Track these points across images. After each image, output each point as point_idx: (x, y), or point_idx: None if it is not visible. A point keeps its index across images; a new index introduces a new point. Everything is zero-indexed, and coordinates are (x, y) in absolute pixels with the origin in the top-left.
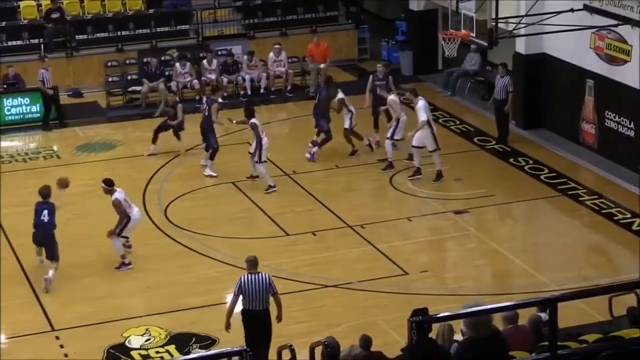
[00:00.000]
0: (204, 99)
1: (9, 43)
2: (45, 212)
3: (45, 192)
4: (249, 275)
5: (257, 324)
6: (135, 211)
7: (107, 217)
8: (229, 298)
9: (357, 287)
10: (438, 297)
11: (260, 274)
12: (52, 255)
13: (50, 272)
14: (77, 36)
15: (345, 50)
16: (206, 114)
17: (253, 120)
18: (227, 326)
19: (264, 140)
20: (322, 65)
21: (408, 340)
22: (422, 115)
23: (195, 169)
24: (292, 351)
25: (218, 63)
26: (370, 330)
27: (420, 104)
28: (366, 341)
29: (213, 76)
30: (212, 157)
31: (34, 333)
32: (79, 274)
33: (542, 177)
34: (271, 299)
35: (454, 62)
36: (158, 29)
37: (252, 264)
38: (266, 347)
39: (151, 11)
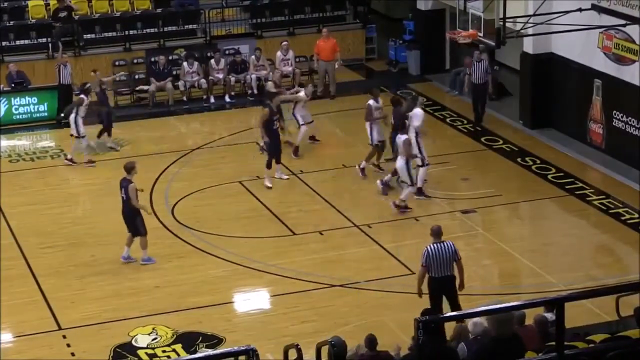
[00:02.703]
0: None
1: (17, 42)
2: (123, 189)
3: (128, 166)
4: (435, 245)
5: (447, 290)
6: None
7: (113, 217)
8: (418, 269)
9: (364, 287)
10: None
11: (445, 243)
12: (132, 231)
13: (125, 250)
14: (85, 35)
15: (352, 50)
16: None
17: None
18: (420, 293)
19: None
20: (336, 65)
21: (415, 339)
22: (416, 122)
23: (201, 169)
24: (299, 350)
25: (226, 62)
26: (377, 330)
27: (417, 111)
28: (371, 341)
29: (221, 75)
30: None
31: (41, 332)
32: (86, 273)
33: (549, 176)
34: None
35: (461, 62)
36: (166, 29)
37: (437, 233)
38: (459, 307)
39: (159, 10)
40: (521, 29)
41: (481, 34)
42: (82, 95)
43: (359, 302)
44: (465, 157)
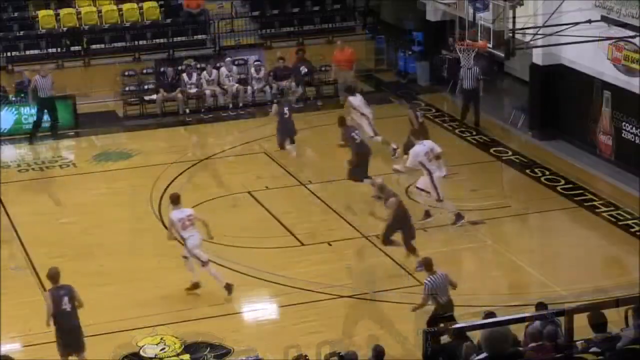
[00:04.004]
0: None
1: (27, 52)
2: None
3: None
4: (431, 277)
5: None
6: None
7: (122, 227)
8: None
9: (373, 298)
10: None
11: (439, 273)
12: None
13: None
14: (94, 46)
15: (361, 61)
16: None
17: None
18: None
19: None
20: (351, 73)
21: (423, 350)
22: (410, 162)
23: (210, 179)
24: None
25: (238, 71)
26: (385, 341)
27: (415, 148)
28: (378, 352)
29: (235, 86)
30: None
31: (48, 342)
32: (94, 282)
33: (558, 188)
34: None
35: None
36: (175, 39)
37: (429, 264)
38: None
39: (168, 21)
40: (530, 40)
41: (490, 45)
42: None
43: (367, 313)
44: (474, 168)
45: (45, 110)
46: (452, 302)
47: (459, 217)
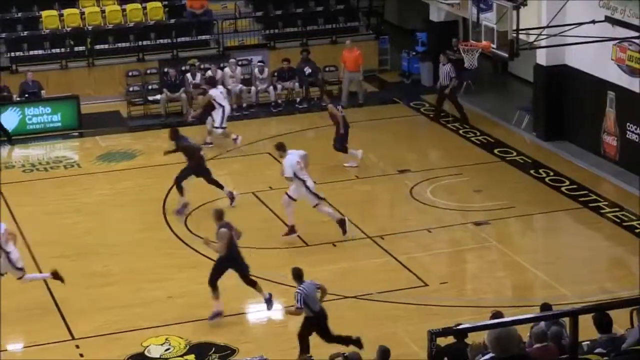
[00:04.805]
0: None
1: (31, 52)
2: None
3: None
4: (303, 286)
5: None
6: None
7: (126, 227)
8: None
9: (377, 299)
10: (457, 308)
11: (307, 281)
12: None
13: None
14: (98, 46)
15: (365, 61)
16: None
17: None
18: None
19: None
20: (357, 75)
21: (428, 350)
22: (288, 172)
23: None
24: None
25: (241, 72)
26: (390, 342)
27: (286, 160)
28: (384, 352)
29: (238, 87)
30: None
31: (53, 342)
32: (99, 283)
33: (563, 189)
34: None
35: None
36: (179, 39)
37: (298, 275)
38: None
39: (172, 21)
40: (534, 41)
41: (494, 46)
42: None
43: (371, 313)
44: (478, 169)
45: None
46: (325, 310)
47: (342, 223)
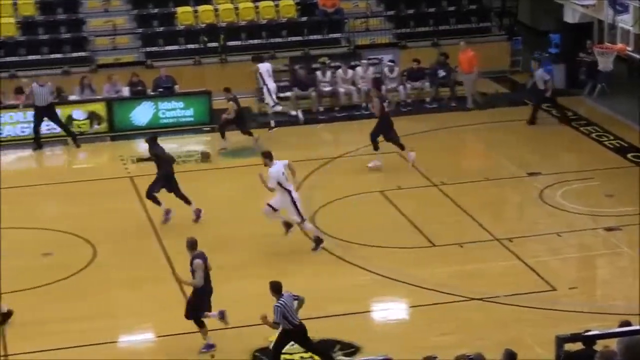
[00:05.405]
0: None
1: (166, 48)
2: None
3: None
4: (282, 300)
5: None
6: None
7: (253, 220)
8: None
9: (503, 302)
10: (586, 314)
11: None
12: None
13: None
14: (230, 42)
15: (496, 62)
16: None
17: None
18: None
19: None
20: (471, 76)
21: (555, 356)
22: (272, 183)
23: (343, 177)
24: None
25: (374, 71)
26: (515, 346)
27: (272, 169)
28: (511, 356)
29: (367, 86)
30: None
31: (180, 333)
32: (228, 276)
33: None
34: None
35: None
36: (310, 37)
37: (276, 289)
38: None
39: (304, 19)
40: None
41: (630, 48)
42: None
43: (497, 316)
44: (610, 173)
45: (45, 119)
46: (303, 324)
47: (318, 241)
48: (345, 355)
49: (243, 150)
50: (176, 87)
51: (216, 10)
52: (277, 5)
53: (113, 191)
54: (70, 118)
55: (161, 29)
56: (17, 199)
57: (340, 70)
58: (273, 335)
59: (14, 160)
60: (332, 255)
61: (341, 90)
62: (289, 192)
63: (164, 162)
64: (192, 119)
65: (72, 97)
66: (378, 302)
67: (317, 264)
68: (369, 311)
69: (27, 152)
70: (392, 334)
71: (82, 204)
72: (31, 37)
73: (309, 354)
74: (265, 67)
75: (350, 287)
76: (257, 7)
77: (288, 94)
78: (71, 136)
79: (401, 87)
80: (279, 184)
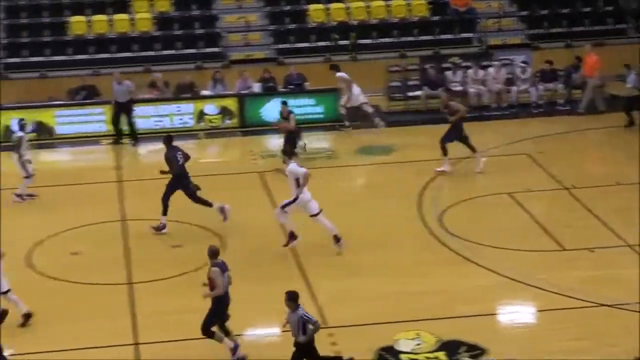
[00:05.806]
0: None
1: (297, 45)
2: None
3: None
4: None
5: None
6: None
7: (378, 219)
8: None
9: (634, 309)
10: None
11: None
12: None
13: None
14: (361, 40)
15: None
16: None
17: None
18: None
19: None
20: (591, 81)
21: None
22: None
23: (469, 178)
24: None
25: (506, 72)
26: None
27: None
28: None
29: (498, 86)
30: None
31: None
32: (350, 273)
33: None
34: None
35: None
36: (441, 36)
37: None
38: None
39: (435, 18)
40: None
41: None
42: (19, 133)
43: (630, 324)
44: None
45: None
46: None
47: (292, 236)
48: (471, 357)
49: (374, 148)
50: (306, 84)
51: (348, 8)
52: (408, 4)
53: (242, 186)
54: (202, 113)
55: (293, 26)
56: (148, 191)
57: (471, 71)
58: (398, 334)
59: (146, 153)
60: (459, 256)
61: (471, 90)
62: (297, 196)
63: (171, 165)
64: (322, 116)
65: (205, 92)
66: (505, 305)
67: (445, 264)
68: (495, 313)
69: (159, 146)
70: (518, 337)
71: (211, 198)
72: (166, 33)
73: (434, 354)
74: (342, 75)
75: (477, 288)
76: (388, 6)
77: (418, 93)
78: (133, 137)
79: (533, 89)
80: (297, 180)
